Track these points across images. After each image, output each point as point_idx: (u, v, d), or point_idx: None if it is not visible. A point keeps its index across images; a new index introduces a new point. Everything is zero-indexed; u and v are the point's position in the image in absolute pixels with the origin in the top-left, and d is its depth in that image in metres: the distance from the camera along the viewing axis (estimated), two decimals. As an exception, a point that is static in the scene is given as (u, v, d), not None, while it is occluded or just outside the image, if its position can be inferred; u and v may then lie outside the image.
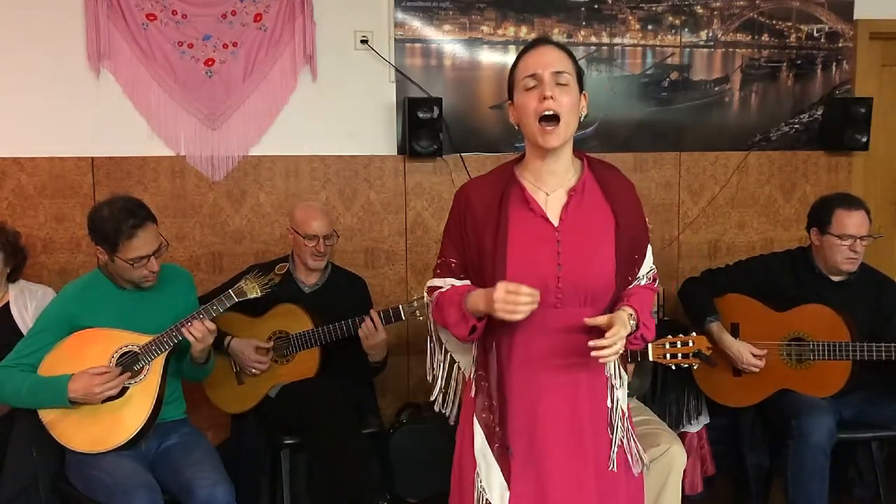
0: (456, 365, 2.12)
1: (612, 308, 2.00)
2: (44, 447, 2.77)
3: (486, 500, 1.96)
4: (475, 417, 2.00)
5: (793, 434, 3.03)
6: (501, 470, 1.95)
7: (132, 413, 2.69)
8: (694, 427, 3.52)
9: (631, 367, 2.82)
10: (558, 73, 1.94)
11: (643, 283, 2.09)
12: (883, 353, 3.06)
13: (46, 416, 2.70)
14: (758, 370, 3.21)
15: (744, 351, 3.21)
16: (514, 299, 1.82)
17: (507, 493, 1.94)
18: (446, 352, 2.12)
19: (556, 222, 1.98)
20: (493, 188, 2.01)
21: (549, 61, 1.95)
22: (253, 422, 3.27)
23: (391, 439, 3.52)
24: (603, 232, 1.98)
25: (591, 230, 1.97)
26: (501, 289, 1.83)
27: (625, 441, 2.05)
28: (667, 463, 2.77)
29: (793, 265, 3.33)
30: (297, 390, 3.15)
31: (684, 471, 2.84)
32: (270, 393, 3.22)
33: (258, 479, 3.28)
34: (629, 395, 3.08)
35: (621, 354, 2.03)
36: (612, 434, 2.04)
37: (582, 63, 3.93)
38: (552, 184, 2.01)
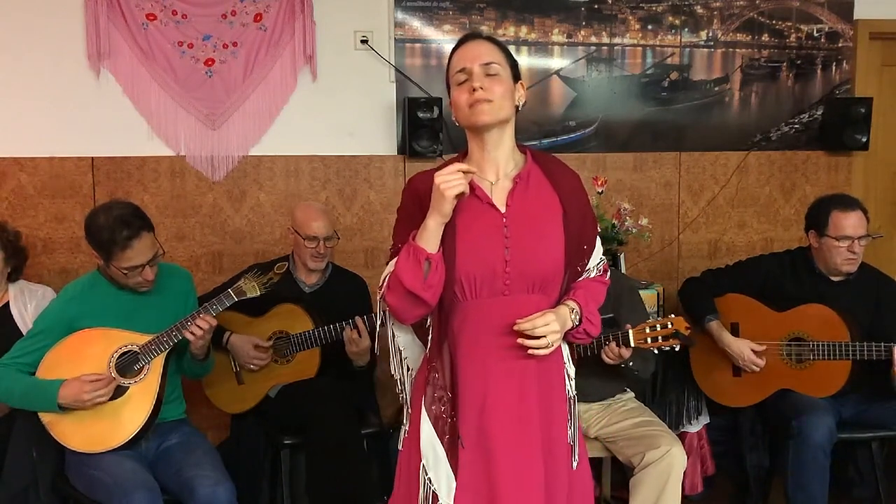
0: (410, 372, 2.08)
1: (561, 298, 2.01)
2: (44, 447, 2.77)
3: (433, 492, 1.93)
4: (423, 410, 1.97)
5: (793, 434, 3.03)
6: (449, 461, 1.93)
7: (132, 413, 2.69)
8: (694, 427, 3.52)
9: (628, 351, 2.81)
10: (487, 64, 1.95)
11: (593, 274, 2.08)
12: (883, 353, 3.06)
13: (46, 415, 2.70)
14: (758, 369, 3.21)
15: (744, 349, 3.21)
16: (447, 177, 1.86)
17: (454, 484, 1.92)
18: (402, 357, 2.08)
19: (502, 209, 1.97)
20: None
21: (476, 54, 1.96)
22: (253, 422, 3.27)
23: (391, 439, 3.51)
24: (550, 218, 1.98)
25: (539, 216, 1.97)
26: (436, 177, 1.87)
27: (573, 433, 2.06)
28: (667, 464, 2.77)
29: (793, 265, 3.33)
30: (297, 390, 3.15)
31: (684, 471, 2.84)
32: (270, 393, 3.22)
33: (258, 479, 3.28)
34: (637, 379, 3.09)
35: (572, 345, 2.08)
36: (571, 426, 2.04)
37: (582, 63, 3.98)
38: (495, 173, 2.01)
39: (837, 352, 3.11)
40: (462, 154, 2.07)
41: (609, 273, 2.16)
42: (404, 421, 2.07)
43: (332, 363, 3.21)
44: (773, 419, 3.24)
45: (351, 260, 3.78)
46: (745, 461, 3.41)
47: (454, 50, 2.01)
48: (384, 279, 1.97)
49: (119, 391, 2.70)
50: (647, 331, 2.69)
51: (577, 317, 1.98)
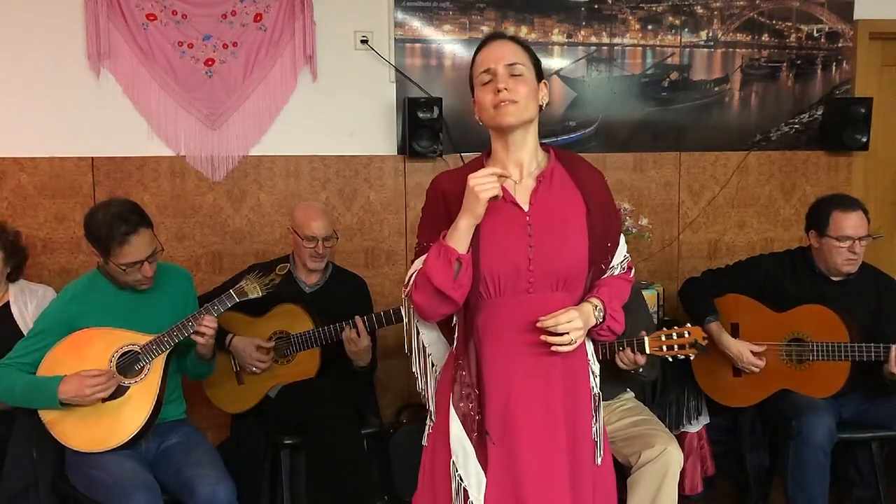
0: (434, 368, 2.10)
1: (585, 295, 2.02)
2: (44, 447, 2.77)
3: (464, 488, 1.95)
4: (451, 407, 1.99)
5: (793, 434, 3.03)
6: (478, 458, 1.95)
7: (132, 413, 2.69)
8: (694, 427, 3.52)
9: (643, 358, 2.82)
10: (511, 64, 1.97)
11: (617, 272, 2.10)
12: (882, 354, 3.05)
13: (46, 415, 2.70)
14: (758, 370, 3.21)
15: (743, 350, 3.21)
16: (482, 180, 1.89)
17: (484, 481, 1.94)
18: (427, 354, 2.10)
19: (525, 207, 1.99)
20: (464, 180, 2.01)
21: (501, 55, 1.98)
22: (253, 422, 3.27)
23: (391, 439, 3.52)
24: (573, 216, 2.00)
25: (562, 214, 1.99)
26: (471, 179, 1.89)
27: (598, 429, 2.07)
28: (663, 464, 2.77)
29: (793, 265, 3.33)
30: (297, 390, 3.15)
31: (684, 471, 2.84)
32: (270, 393, 3.22)
33: (258, 479, 3.28)
34: (642, 383, 3.09)
35: (596, 343, 2.10)
36: (596, 423, 2.05)
37: (582, 63, 3.98)
38: (519, 172, 2.03)
39: (837, 352, 3.11)
40: (486, 153, 2.09)
41: (633, 271, 2.17)
42: (428, 417, 2.10)
43: (332, 363, 3.21)
44: (773, 419, 3.24)
45: (351, 260, 3.78)
46: (745, 461, 3.41)
47: (478, 50, 2.04)
48: (410, 277, 1.99)
49: (119, 391, 2.70)
50: (664, 338, 2.69)
51: (601, 314, 2.00)
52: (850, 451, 3.40)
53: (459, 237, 1.90)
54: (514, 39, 2.04)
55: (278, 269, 2.88)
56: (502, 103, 1.93)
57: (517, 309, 1.96)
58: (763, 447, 3.39)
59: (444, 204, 2.00)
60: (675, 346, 2.65)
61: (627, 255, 2.14)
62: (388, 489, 3.46)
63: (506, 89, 1.94)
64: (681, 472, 2.83)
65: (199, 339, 2.72)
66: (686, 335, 2.63)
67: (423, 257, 1.97)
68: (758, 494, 3.41)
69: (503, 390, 1.96)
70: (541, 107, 2.03)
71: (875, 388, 3.17)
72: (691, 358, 2.70)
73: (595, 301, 2.00)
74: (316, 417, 2.98)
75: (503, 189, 1.97)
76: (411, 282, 1.98)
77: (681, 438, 3.37)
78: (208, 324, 2.71)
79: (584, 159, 2.12)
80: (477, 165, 2.05)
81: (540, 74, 2.03)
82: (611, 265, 2.07)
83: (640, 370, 2.91)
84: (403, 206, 3.86)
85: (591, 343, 2.10)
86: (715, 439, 3.60)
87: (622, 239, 2.11)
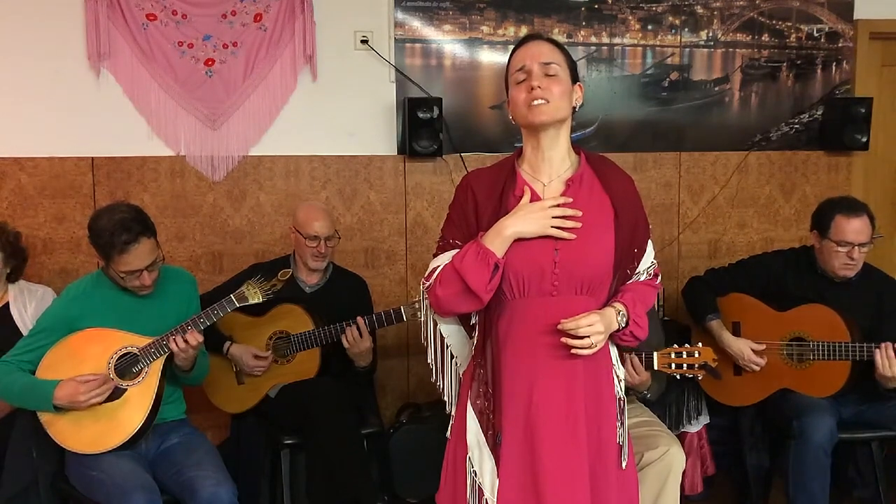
0: (454, 360, 2.13)
1: (609, 300, 2.03)
2: (44, 447, 2.77)
3: (479, 485, 1.98)
4: (469, 404, 2.02)
5: (793, 434, 3.03)
6: (494, 457, 1.97)
7: (129, 414, 2.69)
8: (694, 427, 3.52)
9: (647, 374, 2.81)
10: (546, 63, 1.98)
11: (643, 278, 2.10)
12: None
13: (44, 415, 2.71)
14: (758, 368, 3.21)
15: (743, 348, 3.21)
16: (547, 212, 1.94)
17: (497, 480, 1.96)
18: (446, 346, 2.12)
19: None
20: (494, 179, 2.05)
21: (536, 53, 2.00)
22: (253, 422, 3.27)
23: (391, 439, 3.52)
24: (601, 221, 2.00)
25: (589, 218, 1.99)
26: (540, 208, 1.94)
27: (623, 433, 2.08)
28: (666, 465, 2.77)
29: (796, 264, 3.34)
30: (297, 390, 3.15)
31: (684, 471, 2.84)
32: (270, 393, 3.22)
33: (258, 479, 3.28)
34: (645, 399, 3.09)
35: (620, 348, 2.10)
36: (621, 427, 2.06)
37: (582, 63, 3.98)
38: (549, 173, 2.04)
39: (837, 352, 3.11)
40: (517, 153, 2.10)
41: (660, 278, 2.17)
42: (451, 412, 2.12)
43: (332, 363, 3.21)
44: (773, 419, 3.24)
45: (351, 260, 3.78)
46: (745, 461, 3.41)
47: (514, 50, 2.06)
48: (433, 272, 2.00)
49: (117, 392, 2.70)
50: (673, 356, 2.67)
51: (624, 319, 2.00)
52: (850, 451, 3.40)
53: (502, 243, 1.93)
54: (551, 41, 2.05)
55: (280, 275, 2.87)
56: (535, 101, 1.94)
57: (540, 311, 1.97)
58: (763, 447, 3.39)
59: (473, 202, 2.02)
60: (685, 366, 2.64)
61: (654, 261, 2.14)
62: (388, 489, 3.46)
63: (539, 87, 1.95)
64: (681, 473, 2.83)
65: (174, 349, 2.69)
66: (696, 355, 2.62)
67: (450, 253, 2.00)
68: (758, 494, 3.41)
69: (525, 391, 1.97)
70: (574, 108, 2.04)
71: (876, 390, 3.17)
72: (699, 378, 2.68)
73: (618, 306, 2.01)
74: (316, 417, 2.98)
75: (532, 191, 2.00)
76: (434, 276, 1.99)
77: (681, 438, 3.37)
78: (190, 340, 2.69)
79: (615, 164, 2.13)
80: (507, 165, 2.08)
81: (575, 76, 2.05)
82: (637, 271, 2.08)
83: (647, 394, 2.91)
84: (403, 206, 3.86)
85: (615, 348, 2.11)
86: (715, 439, 3.60)
87: (650, 245, 2.12)
